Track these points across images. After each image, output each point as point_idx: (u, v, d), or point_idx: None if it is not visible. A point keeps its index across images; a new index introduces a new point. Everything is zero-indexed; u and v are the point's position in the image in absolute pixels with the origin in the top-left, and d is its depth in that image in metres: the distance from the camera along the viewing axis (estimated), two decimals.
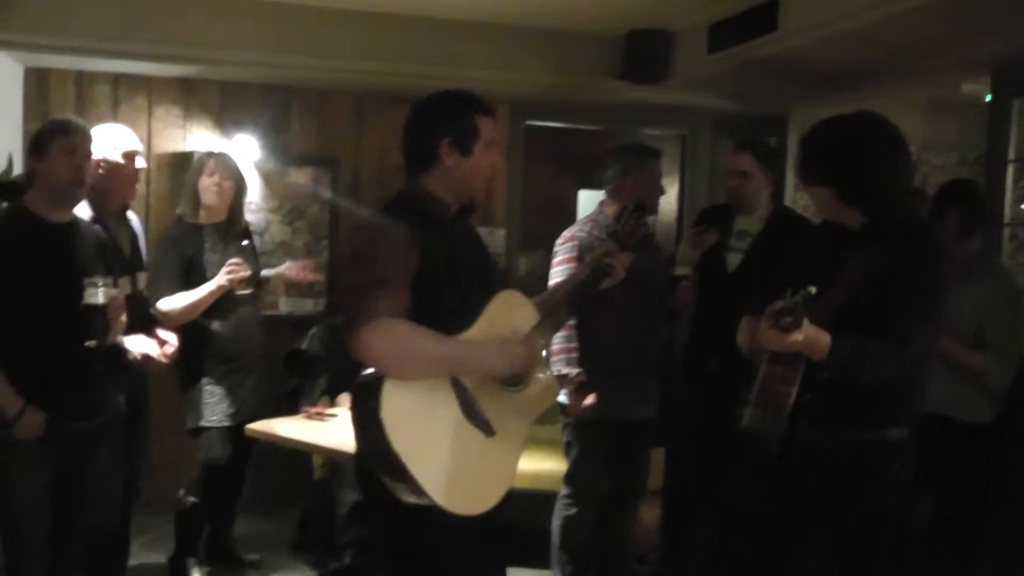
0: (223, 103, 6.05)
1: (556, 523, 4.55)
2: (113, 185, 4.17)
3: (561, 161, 6.95)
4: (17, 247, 3.38)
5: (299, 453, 5.27)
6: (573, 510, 4.51)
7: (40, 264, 3.40)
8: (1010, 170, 4.54)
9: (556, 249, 4.43)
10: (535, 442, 4.54)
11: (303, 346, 5.57)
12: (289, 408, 5.11)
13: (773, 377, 2.84)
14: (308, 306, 6.04)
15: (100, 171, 4.05)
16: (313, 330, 5.62)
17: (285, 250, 6.09)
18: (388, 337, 2.47)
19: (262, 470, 5.32)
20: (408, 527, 2.61)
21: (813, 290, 2.65)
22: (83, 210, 3.97)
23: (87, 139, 3.54)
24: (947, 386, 3.84)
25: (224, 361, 4.70)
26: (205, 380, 4.67)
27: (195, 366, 4.65)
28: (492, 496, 2.66)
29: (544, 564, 4.66)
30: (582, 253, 4.26)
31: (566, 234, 4.46)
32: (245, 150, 5.86)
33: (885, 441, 2.93)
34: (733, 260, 4.43)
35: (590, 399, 4.27)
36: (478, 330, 2.66)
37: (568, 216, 6.55)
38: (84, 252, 3.54)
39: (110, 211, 4.16)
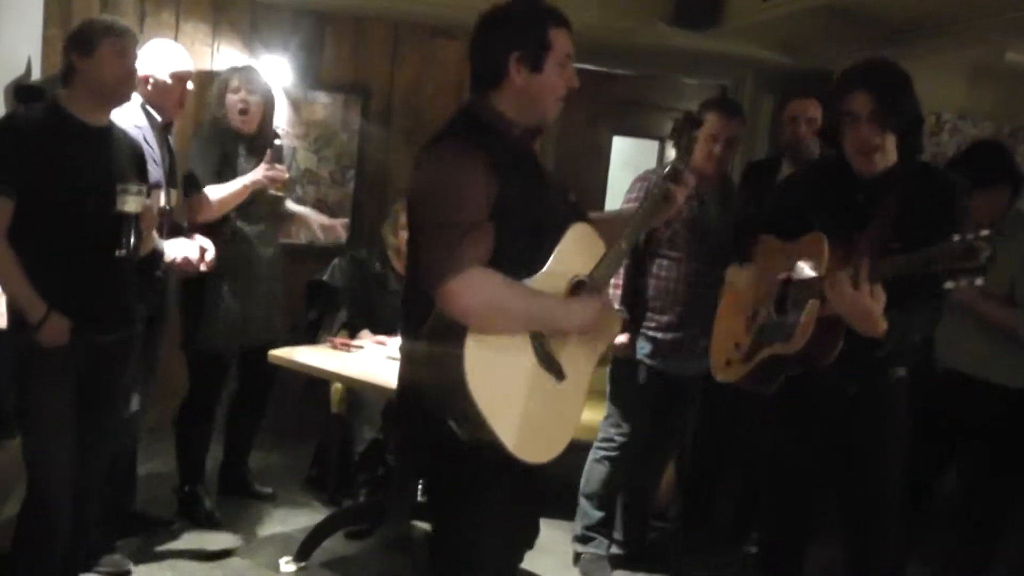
0: (253, 23, 5.84)
1: (586, 468, 4.49)
2: (158, 102, 4.08)
3: (597, 106, 6.74)
4: (51, 147, 3.22)
5: (316, 387, 5.17)
6: (603, 454, 4.44)
7: (74, 166, 3.25)
8: None
9: (628, 190, 4.34)
10: None
11: (325, 277, 5.44)
12: (308, 340, 4.96)
13: (821, 337, 2.85)
14: (330, 236, 5.87)
15: (148, 87, 4.00)
16: (336, 261, 5.47)
17: (310, 178, 5.94)
18: (479, 292, 2.32)
19: (277, 403, 5.19)
20: (462, 469, 2.48)
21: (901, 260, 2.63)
22: (135, 117, 3.90)
23: (135, 43, 3.41)
24: (980, 347, 3.85)
25: (236, 271, 4.55)
26: (210, 287, 4.50)
27: (210, 280, 4.48)
28: (559, 443, 2.56)
29: (565, 515, 4.58)
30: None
31: (638, 175, 4.37)
32: (274, 73, 5.66)
33: (900, 379, 3.07)
34: None
35: (623, 338, 4.22)
36: (552, 269, 2.50)
37: (602, 163, 6.40)
38: (119, 158, 3.41)
39: (153, 127, 4.05)
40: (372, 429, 4.92)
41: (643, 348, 4.28)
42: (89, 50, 3.28)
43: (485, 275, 2.34)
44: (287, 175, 4.56)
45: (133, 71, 3.40)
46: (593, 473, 4.47)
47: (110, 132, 3.42)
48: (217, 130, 4.59)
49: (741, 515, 4.91)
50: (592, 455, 4.49)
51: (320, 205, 5.80)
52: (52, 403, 3.28)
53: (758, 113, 6.47)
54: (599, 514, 4.47)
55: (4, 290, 3.31)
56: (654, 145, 7.16)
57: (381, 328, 4.90)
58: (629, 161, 6.89)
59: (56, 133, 3.25)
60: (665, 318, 4.24)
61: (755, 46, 5.88)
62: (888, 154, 2.96)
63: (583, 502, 4.50)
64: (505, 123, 2.54)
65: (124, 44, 3.33)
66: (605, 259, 2.62)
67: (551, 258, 2.50)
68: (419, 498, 4.56)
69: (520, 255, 2.44)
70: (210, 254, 4.09)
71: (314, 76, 5.95)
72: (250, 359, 4.71)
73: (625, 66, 6.37)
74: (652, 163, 6.87)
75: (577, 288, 2.57)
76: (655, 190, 2.76)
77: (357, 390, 4.88)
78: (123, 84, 3.35)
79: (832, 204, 3.03)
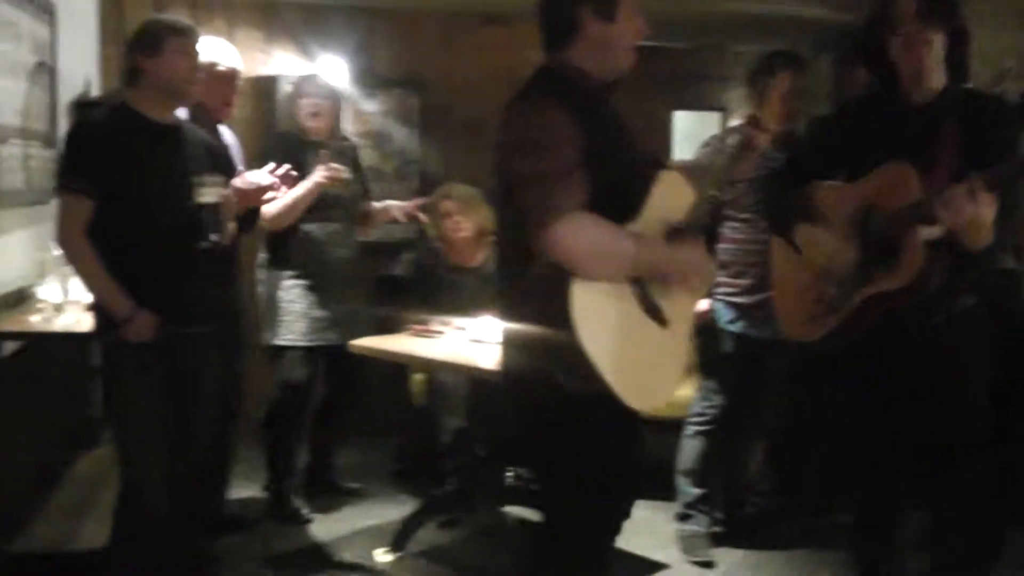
0: (305, 26, 5.88)
1: (681, 445, 4.43)
2: (207, 97, 4.06)
3: (654, 82, 6.66)
4: (125, 145, 3.25)
5: (395, 381, 5.16)
6: (697, 428, 4.38)
7: (149, 163, 3.28)
8: None
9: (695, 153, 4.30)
10: None
11: (397, 271, 5.44)
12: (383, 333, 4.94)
13: (928, 275, 2.82)
14: (400, 231, 5.88)
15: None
16: (404, 255, 5.48)
17: (374, 175, 5.92)
18: (584, 235, 2.33)
19: (357, 396, 5.16)
20: (569, 422, 2.46)
21: None
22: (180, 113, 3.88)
23: (198, 41, 3.42)
24: None
25: (311, 275, 4.57)
26: (288, 288, 4.55)
27: (289, 275, 4.55)
28: (666, 390, 2.59)
29: (662, 495, 4.51)
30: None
31: (702, 142, 4.29)
32: (330, 74, 5.68)
33: (975, 306, 3.01)
34: None
35: (704, 304, 4.15)
36: (646, 216, 2.48)
37: (664, 138, 6.36)
38: (193, 152, 3.43)
39: (202, 125, 3.99)
40: (456, 418, 4.88)
41: (724, 315, 4.21)
42: (154, 50, 3.30)
43: (588, 218, 2.34)
44: (346, 172, 4.56)
45: (197, 68, 3.42)
46: (688, 449, 4.40)
47: (180, 128, 3.44)
48: (287, 139, 4.65)
49: (831, 484, 4.80)
50: (686, 431, 4.42)
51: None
52: (142, 398, 3.30)
53: (817, 75, 6.38)
54: (697, 491, 4.40)
55: (89, 289, 3.33)
56: (715, 117, 7.09)
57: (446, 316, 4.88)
58: (690, 135, 6.83)
59: (128, 132, 3.28)
60: (745, 281, 4.16)
61: (811, 4, 5.79)
62: (936, 75, 2.92)
63: (680, 480, 4.43)
64: (584, 77, 2.53)
65: (188, 41, 3.35)
66: (698, 205, 2.62)
67: (645, 205, 2.49)
68: (508, 484, 4.54)
69: (612, 203, 2.41)
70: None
71: (370, 74, 5.98)
72: (333, 357, 4.71)
73: (679, 38, 6.32)
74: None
75: (674, 234, 2.55)
76: (734, 137, 2.74)
77: (439, 379, 4.87)
78: (188, 81, 3.37)
79: (884, 136, 2.97)
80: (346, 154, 4.80)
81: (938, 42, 2.87)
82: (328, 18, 5.90)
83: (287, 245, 4.57)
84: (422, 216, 5.00)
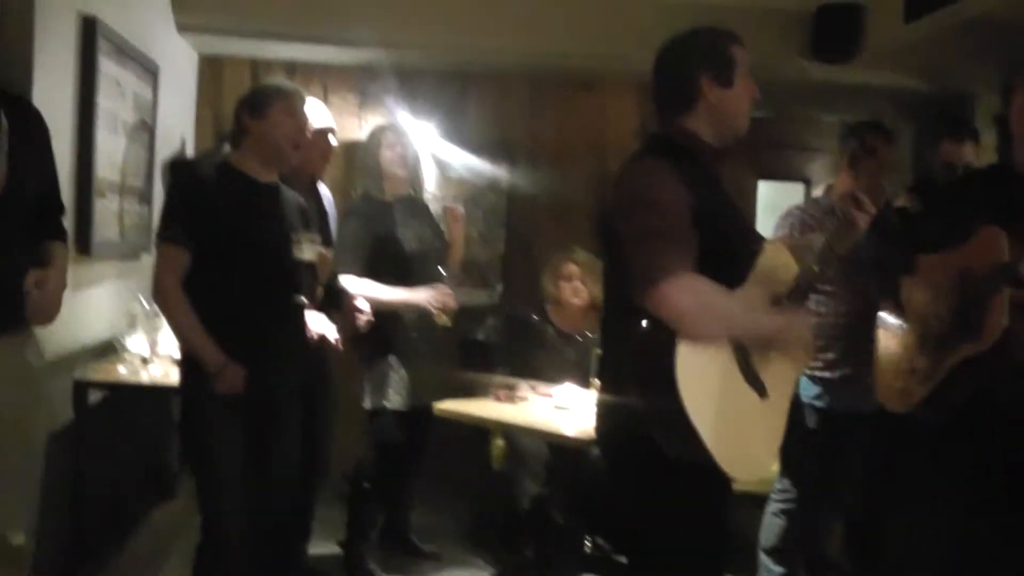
0: (400, 90, 5.99)
1: (763, 522, 4.33)
2: (303, 157, 4.09)
3: (738, 151, 6.64)
4: (226, 202, 3.33)
5: (475, 444, 5.17)
6: (781, 506, 4.28)
7: (249, 220, 3.35)
8: None
9: (776, 227, 4.27)
10: None
11: (480, 336, 5.46)
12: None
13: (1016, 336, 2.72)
14: (483, 296, 5.93)
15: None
16: (490, 320, 5.50)
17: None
18: (693, 295, 2.34)
19: (437, 461, 5.16)
20: (665, 486, 2.47)
21: None
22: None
23: (304, 103, 3.51)
24: None
25: (410, 342, 4.59)
26: (391, 358, 4.55)
27: (382, 342, 4.52)
28: (765, 462, 2.63)
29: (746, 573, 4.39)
30: (797, 228, 4.11)
31: (783, 213, 4.32)
32: (422, 138, 5.78)
33: None
34: None
35: None
36: (751, 286, 2.52)
37: (748, 208, 6.33)
38: (290, 211, 3.51)
39: (299, 183, 4.07)
40: (536, 484, 4.85)
41: (808, 390, 4.15)
42: (262, 112, 3.38)
43: (697, 278, 2.35)
44: (455, 306, 4.55)
45: (303, 130, 3.49)
46: (771, 527, 4.30)
47: (279, 188, 3.52)
48: (371, 208, 4.59)
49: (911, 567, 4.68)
50: (769, 508, 4.33)
51: (470, 266, 5.84)
52: (225, 448, 3.32)
53: (901, 145, 6.35)
54: (780, 569, 4.28)
55: (181, 340, 3.38)
56: (799, 187, 7.06)
57: (539, 381, 4.87)
58: (773, 204, 6.79)
59: (229, 189, 3.35)
60: (829, 355, 4.10)
61: (896, 74, 5.78)
62: None
63: (763, 558, 4.32)
64: (699, 143, 2.60)
65: (294, 104, 3.43)
66: (802, 278, 2.64)
67: (751, 274, 2.53)
68: (586, 553, 4.50)
69: (719, 269, 2.43)
70: (365, 317, 4.14)
71: (461, 137, 6.07)
72: (415, 418, 4.68)
73: (764, 107, 6.29)
74: None
75: (777, 305, 2.58)
76: (838, 215, 2.76)
77: (520, 445, 4.87)
78: (292, 144, 3.43)
79: (991, 204, 2.90)
80: (425, 212, 4.81)
81: None
82: (421, 82, 6.02)
83: (382, 317, 4.46)
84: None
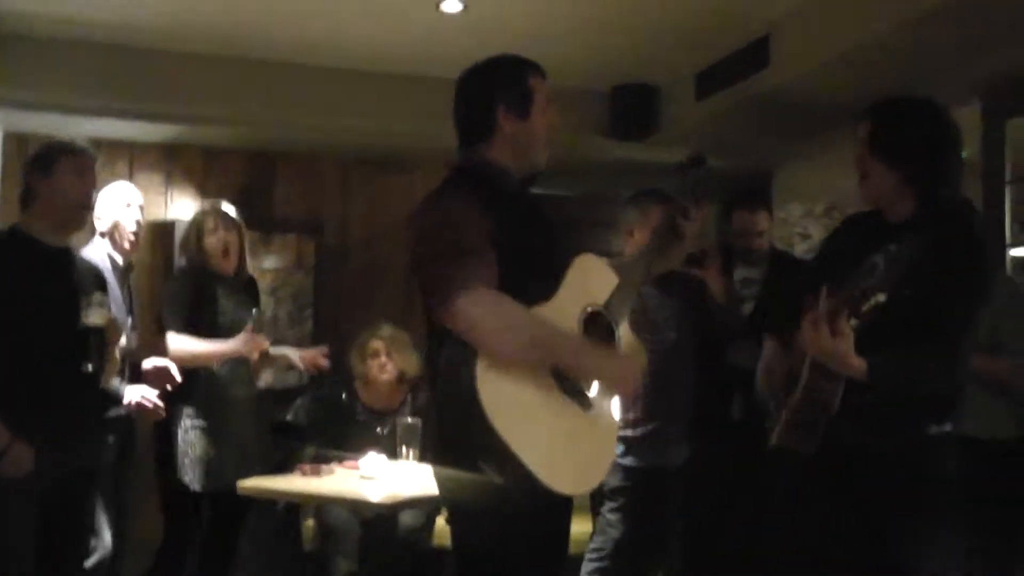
0: (206, 168, 5.98)
1: None
2: (120, 243, 4.17)
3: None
4: (11, 271, 3.22)
5: (288, 524, 5.09)
6: (595, 565, 4.30)
7: (35, 288, 3.23)
8: (1008, 191, 4.54)
9: None
10: None
11: (289, 417, 5.41)
12: None
13: (816, 383, 2.71)
14: (293, 378, 5.86)
15: (111, 230, 4.15)
16: (299, 400, 5.46)
17: (267, 319, 5.95)
18: (488, 307, 2.34)
19: (248, 546, 5.02)
20: (497, 518, 2.43)
21: (882, 298, 2.51)
22: (100, 261, 3.91)
23: (94, 162, 3.42)
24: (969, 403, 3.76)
25: (210, 416, 4.42)
26: (186, 429, 4.37)
27: (176, 417, 4.37)
28: (596, 473, 2.58)
29: None
30: None
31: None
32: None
33: (936, 437, 2.80)
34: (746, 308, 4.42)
35: None
36: (560, 300, 2.48)
37: None
38: (82, 276, 3.40)
39: (115, 270, 4.10)
40: (348, 561, 4.79)
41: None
42: (47, 171, 3.29)
43: (493, 293, 2.36)
44: (267, 344, 4.49)
45: (92, 190, 3.40)
46: None
47: (70, 252, 3.42)
48: (194, 273, 4.52)
49: None
50: (584, 568, 4.34)
51: (278, 346, 5.77)
52: (13, 538, 3.16)
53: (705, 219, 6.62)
54: None
55: None
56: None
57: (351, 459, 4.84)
58: None
59: (16, 256, 3.25)
60: (630, 415, 4.17)
61: (691, 150, 6.03)
62: (902, 198, 2.83)
63: None
64: (498, 170, 2.62)
65: (83, 163, 3.34)
66: (619, 290, 2.65)
67: (560, 287, 2.50)
68: None
69: (526, 287, 2.43)
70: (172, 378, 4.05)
71: (268, 216, 6.05)
72: (222, 501, 4.50)
73: (567, 187, 6.51)
74: None
75: (592, 319, 2.56)
76: (662, 224, 2.84)
77: (330, 522, 4.81)
78: (83, 203, 3.35)
79: (861, 254, 2.82)
80: (251, 292, 4.76)
81: (886, 175, 2.81)
82: (228, 160, 6.02)
83: (188, 383, 4.31)
84: (323, 363, 4.83)
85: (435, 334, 2.47)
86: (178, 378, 4.05)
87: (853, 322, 2.58)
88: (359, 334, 5.20)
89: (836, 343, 2.59)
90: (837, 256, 2.94)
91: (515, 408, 2.30)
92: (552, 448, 2.35)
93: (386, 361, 5.05)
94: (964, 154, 4.94)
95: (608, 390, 2.56)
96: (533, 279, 2.46)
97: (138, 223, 4.27)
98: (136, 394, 3.91)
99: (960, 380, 2.80)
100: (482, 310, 2.32)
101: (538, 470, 2.28)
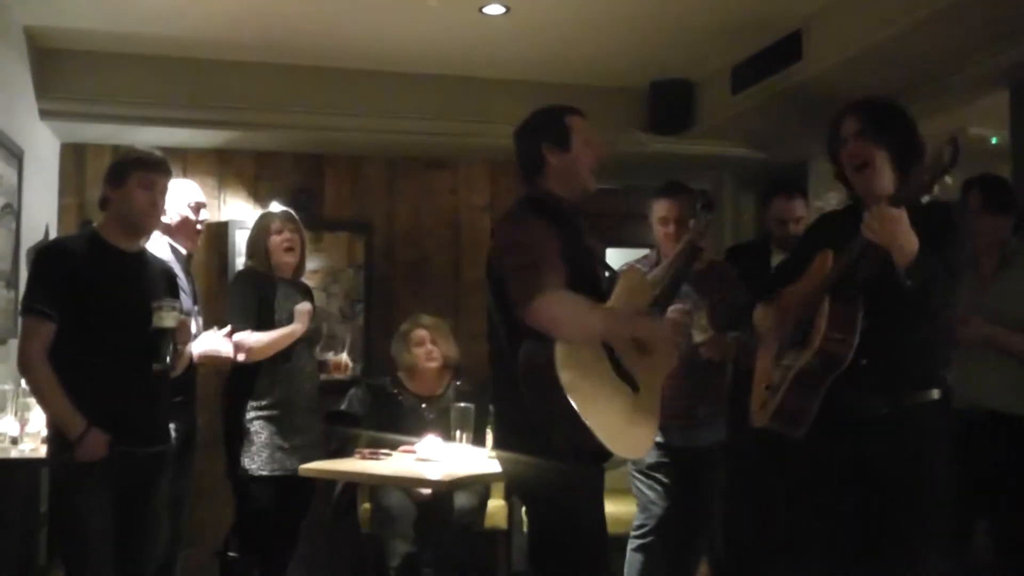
0: (257, 172, 6.19)
1: (626, 561, 4.47)
2: (181, 236, 4.39)
3: (588, 221, 6.94)
4: (89, 270, 3.40)
5: (346, 508, 5.27)
6: (638, 543, 4.44)
7: (110, 288, 3.42)
8: None
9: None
10: None
11: (343, 407, 5.59)
12: None
13: (831, 337, 2.93)
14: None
15: (171, 224, 4.33)
16: (352, 391, 5.64)
17: (321, 315, 6.11)
18: (564, 305, 2.87)
19: (308, 530, 5.19)
20: (560, 477, 2.94)
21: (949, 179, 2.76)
22: (163, 253, 4.10)
23: (166, 175, 3.59)
24: (1004, 378, 3.87)
25: (276, 406, 4.65)
26: (256, 423, 4.62)
27: (241, 407, 4.62)
28: (644, 444, 3.12)
29: None
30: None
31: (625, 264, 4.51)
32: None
33: (934, 401, 3.05)
34: None
35: None
36: (614, 305, 3.04)
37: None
38: (153, 279, 3.58)
39: (179, 260, 4.29)
40: (405, 543, 4.95)
41: None
42: (120, 182, 3.48)
43: (565, 293, 2.89)
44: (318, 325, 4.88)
45: (159, 201, 3.56)
46: (632, 565, 4.45)
47: (143, 256, 3.60)
48: (256, 276, 4.75)
49: None
50: (630, 545, 4.48)
51: (331, 341, 5.96)
52: (94, 520, 3.32)
53: (740, 211, 6.76)
54: None
55: (44, 408, 3.44)
56: (645, 253, 7.37)
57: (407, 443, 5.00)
58: None
59: (93, 258, 3.43)
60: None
61: (728, 144, 6.21)
62: (884, 187, 3.02)
63: None
64: (554, 198, 3.11)
65: (153, 177, 3.51)
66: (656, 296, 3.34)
67: (612, 297, 3.05)
68: None
69: (585, 294, 2.94)
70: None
71: (318, 216, 6.23)
72: (286, 487, 4.68)
73: (609, 180, 6.64)
74: None
75: None
76: (685, 249, 3.56)
77: (387, 505, 4.99)
78: (149, 214, 3.51)
79: (842, 237, 3.04)
80: (310, 292, 5.01)
81: (880, 158, 3.03)
82: (278, 163, 6.22)
83: (256, 377, 4.62)
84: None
85: (512, 332, 2.97)
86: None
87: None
88: (400, 326, 5.44)
89: (900, 215, 2.78)
90: (821, 240, 3.17)
91: (585, 388, 2.83)
92: (611, 420, 2.89)
93: (432, 348, 5.29)
94: (995, 140, 5.11)
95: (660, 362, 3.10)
96: (592, 288, 3.00)
97: (203, 220, 4.50)
98: (205, 346, 4.26)
99: (946, 343, 3.14)
100: (558, 307, 2.85)
101: (603, 436, 2.82)
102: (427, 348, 5.28)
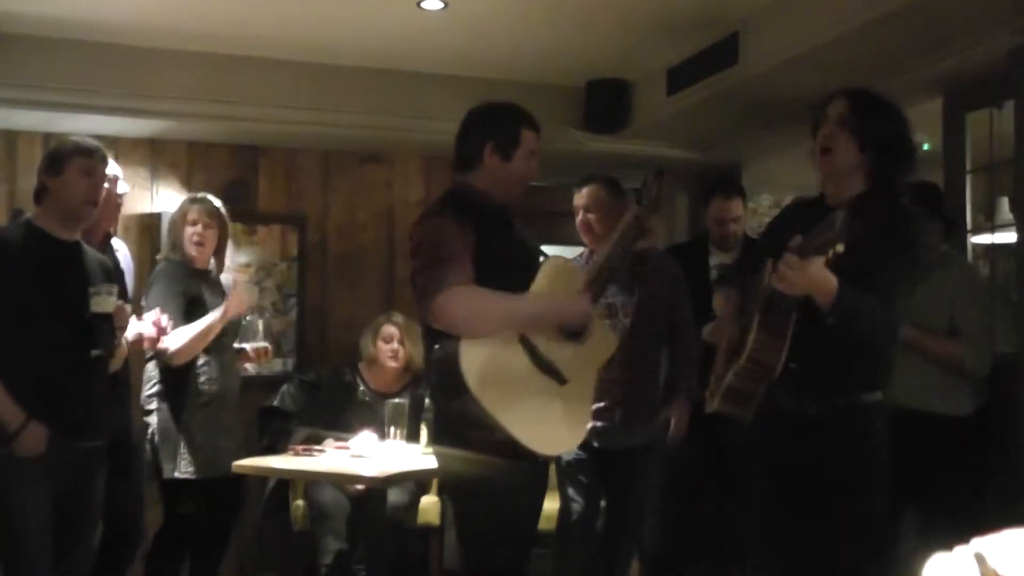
0: (190, 163, 6.09)
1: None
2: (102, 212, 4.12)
3: (523, 219, 6.97)
4: (24, 262, 3.37)
5: (278, 508, 5.23)
6: (561, 538, 4.44)
7: (46, 278, 3.39)
8: (968, 181, 4.73)
9: None
10: None
11: (275, 403, 5.56)
12: None
13: (762, 345, 2.93)
14: (277, 365, 6.00)
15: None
16: (284, 387, 5.62)
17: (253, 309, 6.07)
18: (462, 300, 2.77)
19: (239, 532, 5.12)
20: (490, 474, 2.86)
21: (840, 248, 2.73)
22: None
23: (104, 162, 3.56)
24: (925, 379, 3.94)
25: (204, 405, 4.50)
26: (186, 421, 4.45)
27: (176, 407, 4.46)
28: (574, 437, 3.08)
29: None
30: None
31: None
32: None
33: (868, 404, 3.06)
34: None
35: None
36: (536, 289, 2.95)
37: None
38: (90, 267, 3.54)
39: (93, 240, 4.05)
40: (337, 540, 4.94)
41: None
42: (58, 170, 3.44)
43: (468, 288, 2.79)
44: (254, 300, 4.82)
45: (98, 189, 3.52)
46: (551, 561, 4.47)
47: (79, 246, 3.55)
48: (178, 270, 4.57)
49: None
50: (556, 543, 4.46)
51: (245, 330, 5.82)
52: (32, 515, 3.30)
53: (674, 210, 6.82)
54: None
55: None
56: (578, 251, 7.42)
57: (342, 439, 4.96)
58: None
59: (29, 248, 3.39)
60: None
61: (663, 144, 6.23)
62: (855, 180, 3.05)
63: None
64: (480, 196, 3.04)
65: (92, 164, 3.48)
66: (589, 277, 3.08)
67: (534, 283, 2.95)
68: None
69: (503, 288, 2.85)
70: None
71: (252, 209, 6.18)
72: (215, 489, 4.56)
73: (543, 177, 6.63)
74: None
75: None
76: (631, 224, 3.20)
77: (319, 502, 4.97)
78: (88, 201, 3.48)
79: (802, 229, 3.00)
80: (221, 290, 4.78)
81: (845, 149, 3.03)
82: (212, 154, 6.13)
83: (186, 377, 4.46)
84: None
85: (430, 334, 2.91)
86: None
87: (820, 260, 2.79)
88: (373, 318, 5.49)
89: (811, 267, 2.77)
90: (785, 231, 3.10)
91: (497, 385, 2.76)
92: (530, 417, 2.80)
93: (399, 348, 5.32)
94: (927, 146, 5.21)
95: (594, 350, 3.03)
96: (509, 281, 2.88)
97: (122, 192, 4.37)
98: (131, 331, 4.00)
99: (890, 344, 3.04)
100: (455, 303, 2.76)
101: (519, 435, 2.75)
102: (394, 346, 5.32)
